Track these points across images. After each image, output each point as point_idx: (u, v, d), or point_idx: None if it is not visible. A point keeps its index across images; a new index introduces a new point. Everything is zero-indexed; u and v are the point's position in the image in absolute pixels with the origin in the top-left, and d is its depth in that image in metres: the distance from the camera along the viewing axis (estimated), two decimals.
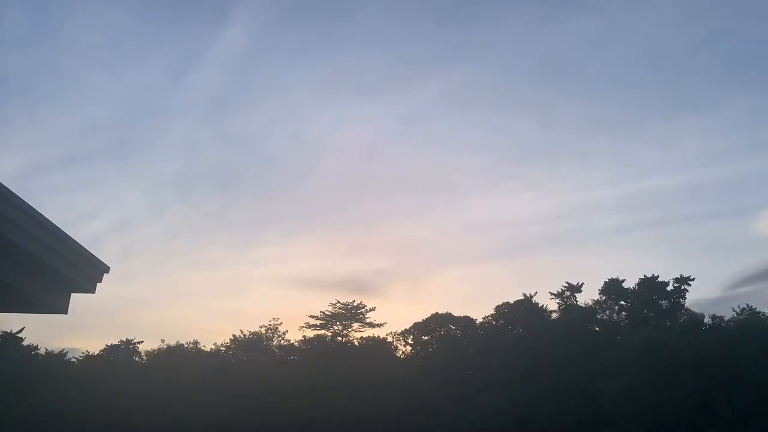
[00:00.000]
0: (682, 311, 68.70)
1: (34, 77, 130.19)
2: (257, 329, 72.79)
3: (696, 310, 68.06)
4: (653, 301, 69.69)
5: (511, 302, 73.01)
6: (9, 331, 60.81)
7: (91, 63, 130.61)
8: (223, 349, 72.15)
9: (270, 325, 73.31)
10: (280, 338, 73.65)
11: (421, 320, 73.65)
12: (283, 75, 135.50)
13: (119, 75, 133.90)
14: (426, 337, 73.46)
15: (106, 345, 71.50)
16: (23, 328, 61.37)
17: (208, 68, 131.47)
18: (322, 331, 74.45)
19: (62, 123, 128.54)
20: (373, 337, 73.44)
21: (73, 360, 69.40)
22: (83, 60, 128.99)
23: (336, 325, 74.91)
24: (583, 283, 72.08)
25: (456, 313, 73.39)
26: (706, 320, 65.59)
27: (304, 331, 74.55)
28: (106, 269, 6.96)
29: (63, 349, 68.86)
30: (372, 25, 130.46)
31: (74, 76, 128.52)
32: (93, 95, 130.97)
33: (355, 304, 75.06)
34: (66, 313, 7.11)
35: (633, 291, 70.26)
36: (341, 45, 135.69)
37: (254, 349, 71.11)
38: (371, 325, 74.79)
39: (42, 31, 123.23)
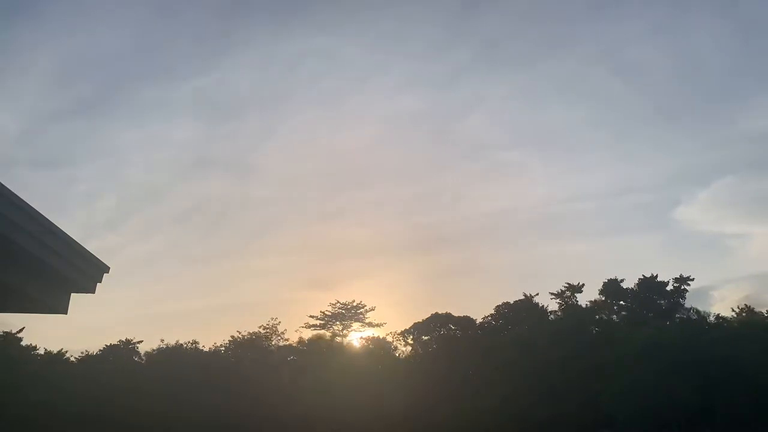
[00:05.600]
0: (682, 311, 68.76)
1: None
2: (256, 329, 72.91)
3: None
4: (653, 301, 69.74)
5: (511, 302, 73.06)
6: (9, 331, 60.86)
7: None
8: (222, 349, 72.17)
9: (269, 324, 73.41)
10: (279, 338, 73.74)
11: (421, 320, 73.75)
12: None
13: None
14: (426, 337, 73.46)
15: (106, 345, 71.58)
16: (23, 328, 61.43)
17: None
18: (322, 331, 74.55)
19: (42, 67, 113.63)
20: (373, 337, 73.59)
21: (73, 360, 69.44)
22: None
23: (336, 325, 75.04)
24: (583, 284, 72.19)
25: (456, 313, 73.55)
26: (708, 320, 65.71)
27: (304, 331, 74.72)
28: (106, 269, 6.93)
29: (62, 349, 68.95)
30: None
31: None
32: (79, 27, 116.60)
33: (354, 304, 75.21)
34: (66, 313, 7.09)
35: (632, 291, 70.32)
36: None
37: (253, 349, 71.10)
38: (371, 324, 75.00)
39: None
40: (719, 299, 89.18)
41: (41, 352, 67.16)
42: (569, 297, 71.75)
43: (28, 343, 65.64)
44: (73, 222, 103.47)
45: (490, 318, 73.36)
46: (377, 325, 75.05)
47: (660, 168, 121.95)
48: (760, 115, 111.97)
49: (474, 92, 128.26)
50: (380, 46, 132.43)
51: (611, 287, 70.66)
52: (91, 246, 6.61)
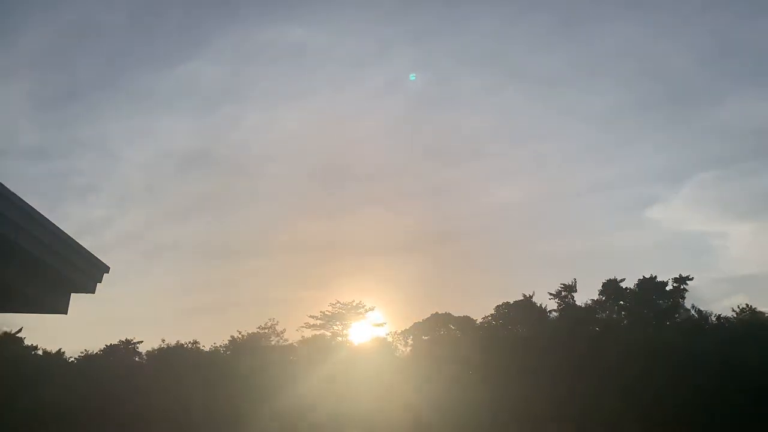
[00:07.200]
0: (682, 311, 68.74)
1: None
2: (256, 329, 72.88)
3: None
4: (653, 301, 69.71)
5: (511, 302, 73.03)
6: (9, 330, 60.86)
7: None
8: (222, 349, 72.15)
9: (268, 325, 73.37)
10: (279, 338, 73.72)
11: (421, 320, 73.79)
12: None
13: None
14: (426, 337, 73.46)
15: (106, 345, 71.63)
16: (21, 329, 61.40)
17: None
18: (322, 331, 74.52)
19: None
20: (373, 337, 73.63)
21: (73, 360, 69.47)
22: None
23: (336, 325, 74.99)
24: (575, 281, 72.00)
25: (456, 313, 73.58)
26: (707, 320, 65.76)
27: (304, 331, 74.68)
28: (106, 269, 6.96)
29: (62, 349, 69.00)
30: None
31: None
32: None
33: (354, 303, 75.17)
34: (66, 313, 7.11)
35: (632, 291, 70.25)
36: None
37: (253, 349, 71.06)
38: (371, 324, 75.01)
39: None
40: (709, 300, 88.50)
41: (41, 352, 67.21)
42: (567, 297, 71.69)
43: (29, 343, 65.75)
44: (67, 218, 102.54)
45: (490, 318, 73.36)
46: (377, 325, 75.14)
47: (639, 165, 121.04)
48: (736, 110, 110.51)
49: (467, 85, 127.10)
50: (379, 33, 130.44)
51: (611, 287, 70.60)
52: (87, 243, 6.63)
